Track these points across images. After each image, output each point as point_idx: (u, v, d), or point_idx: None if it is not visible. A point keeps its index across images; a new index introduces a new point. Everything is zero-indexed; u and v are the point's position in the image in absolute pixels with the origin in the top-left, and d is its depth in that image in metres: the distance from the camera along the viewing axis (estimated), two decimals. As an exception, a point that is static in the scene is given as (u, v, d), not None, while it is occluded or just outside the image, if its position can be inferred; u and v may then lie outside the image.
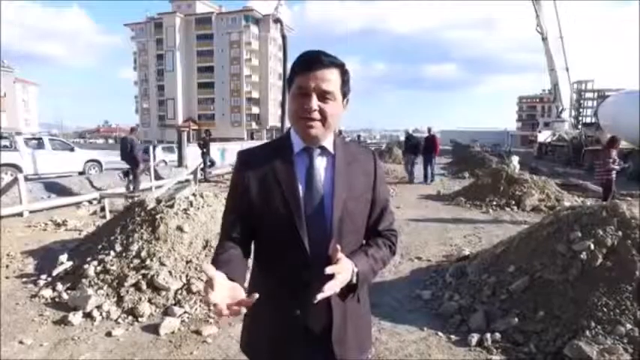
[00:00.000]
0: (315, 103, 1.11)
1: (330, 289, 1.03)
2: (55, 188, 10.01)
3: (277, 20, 15.11)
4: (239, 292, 0.94)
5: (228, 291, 0.93)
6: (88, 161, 14.12)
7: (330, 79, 1.12)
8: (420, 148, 13.08)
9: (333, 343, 1.17)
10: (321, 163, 1.20)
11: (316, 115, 1.12)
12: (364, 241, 1.28)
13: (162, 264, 3.87)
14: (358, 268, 1.12)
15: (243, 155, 1.25)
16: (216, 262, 1.06)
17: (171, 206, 4.57)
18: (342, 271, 1.05)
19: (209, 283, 0.90)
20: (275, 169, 1.17)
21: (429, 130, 13.85)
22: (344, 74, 1.16)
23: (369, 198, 1.25)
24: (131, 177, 10.01)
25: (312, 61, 1.12)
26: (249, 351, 1.30)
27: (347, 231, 1.18)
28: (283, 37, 14.31)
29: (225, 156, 18.27)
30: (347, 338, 1.20)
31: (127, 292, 3.63)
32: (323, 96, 1.12)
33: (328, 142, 1.21)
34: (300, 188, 1.15)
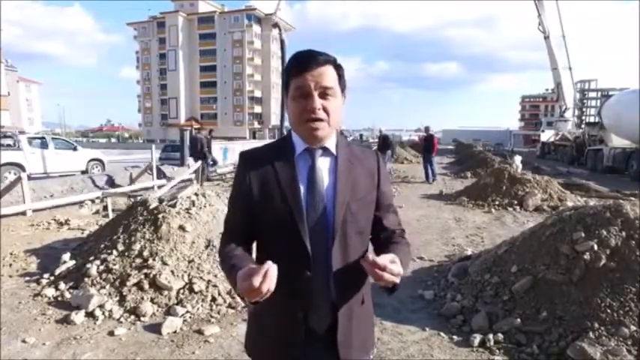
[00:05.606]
0: (317, 101, 1.09)
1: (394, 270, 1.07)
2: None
3: (276, 25, 15.30)
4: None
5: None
6: (90, 160, 14.20)
7: (328, 75, 1.11)
8: (387, 144, 13.93)
9: (338, 344, 1.16)
10: (323, 164, 1.17)
11: (321, 114, 1.10)
12: (380, 237, 1.27)
13: (164, 263, 3.87)
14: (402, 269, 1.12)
15: (245, 156, 1.24)
16: (235, 257, 1.11)
17: (174, 206, 4.58)
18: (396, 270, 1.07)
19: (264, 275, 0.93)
20: (276, 170, 1.15)
21: (427, 129, 13.82)
22: (338, 69, 1.15)
23: (374, 198, 1.24)
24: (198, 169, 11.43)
25: (307, 60, 1.10)
26: (252, 352, 1.30)
27: (351, 232, 1.16)
28: (282, 42, 14.54)
29: (228, 155, 18.29)
30: (352, 339, 1.19)
31: (130, 291, 3.64)
32: (324, 93, 1.10)
33: (331, 143, 1.19)
34: (302, 189, 1.14)
